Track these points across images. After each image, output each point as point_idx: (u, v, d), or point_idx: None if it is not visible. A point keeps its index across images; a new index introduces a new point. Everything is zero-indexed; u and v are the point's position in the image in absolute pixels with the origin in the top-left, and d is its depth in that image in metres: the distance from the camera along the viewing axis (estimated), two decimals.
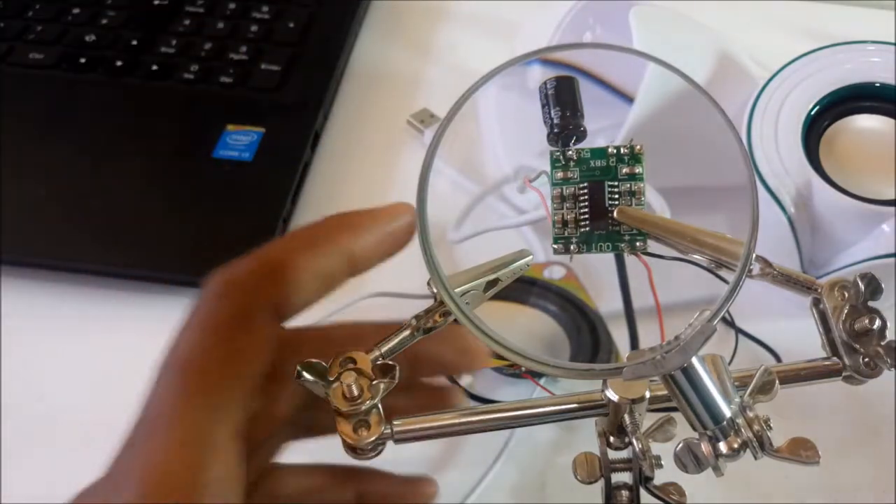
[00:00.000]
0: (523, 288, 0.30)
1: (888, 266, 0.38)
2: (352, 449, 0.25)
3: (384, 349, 0.27)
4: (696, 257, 0.25)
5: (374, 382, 0.25)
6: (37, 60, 0.55)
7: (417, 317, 0.27)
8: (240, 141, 0.50)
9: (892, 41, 0.42)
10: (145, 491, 0.22)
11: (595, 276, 0.34)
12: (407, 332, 0.27)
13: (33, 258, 0.45)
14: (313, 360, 0.25)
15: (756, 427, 0.24)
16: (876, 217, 0.39)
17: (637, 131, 0.36)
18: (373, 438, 0.25)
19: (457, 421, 0.27)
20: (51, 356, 0.43)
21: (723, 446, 0.24)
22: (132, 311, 0.44)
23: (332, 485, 0.30)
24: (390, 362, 0.26)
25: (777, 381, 0.25)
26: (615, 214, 0.26)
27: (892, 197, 0.40)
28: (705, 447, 0.24)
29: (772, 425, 0.24)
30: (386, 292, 0.45)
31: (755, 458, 0.24)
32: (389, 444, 0.26)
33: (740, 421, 0.24)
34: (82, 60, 0.55)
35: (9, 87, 0.54)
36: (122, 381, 0.42)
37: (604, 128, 0.39)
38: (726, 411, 0.24)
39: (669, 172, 0.29)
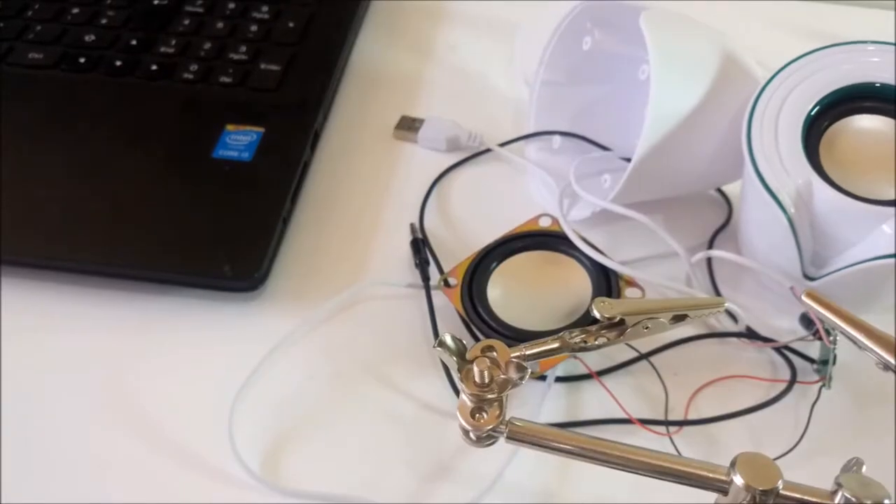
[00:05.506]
0: (567, 244, 0.42)
1: (888, 266, 0.38)
2: (464, 430, 0.26)
3: (528, 352, 0.27)
4: None
5: (504, 377, 0.26)
6: (36, 60, 0.55)
7: (570, 333, 0.28)
8: (239, 141, 0.50)
9: (892, 41, 0.42)
10: None
11: None
12: (555, 345, 0.27)
13: (33, 258, 0.45)
14: (458, 338, 0.26)
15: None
16: (876, 217, 0.39)
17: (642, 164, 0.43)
18: (487, 427, 0.25)
19: (573, 445, 0.27)
20: (51, 356, 0.43)
21: None
22: (132, 311, 0.44)
23: None
24: (525, 364, 0.26)
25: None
26: None
27: (892, 197, 0.40)
28: None
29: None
30: (385, 282, 0.45)
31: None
32: None
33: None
34: (82, 60, 0.55)
35: (9, 87, 0.54)
36: (121, 381, 0.42)
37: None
38: None
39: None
